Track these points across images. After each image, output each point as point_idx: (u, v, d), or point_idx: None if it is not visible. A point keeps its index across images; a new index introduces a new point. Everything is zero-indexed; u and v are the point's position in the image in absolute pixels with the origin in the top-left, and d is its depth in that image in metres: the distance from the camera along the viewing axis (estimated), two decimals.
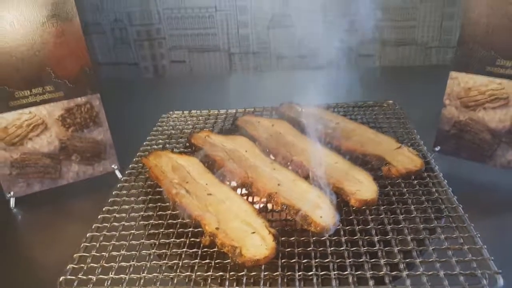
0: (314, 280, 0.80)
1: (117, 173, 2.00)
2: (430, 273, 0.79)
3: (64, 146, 1.88)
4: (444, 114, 1.86)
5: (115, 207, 1.06)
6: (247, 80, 3.16)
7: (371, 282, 0.78)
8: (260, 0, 3.13)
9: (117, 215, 1.03)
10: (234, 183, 1.11)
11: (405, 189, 1.03)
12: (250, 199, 1.05)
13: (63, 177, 1.91)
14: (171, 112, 1.54)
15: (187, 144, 1.32)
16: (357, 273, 0.80)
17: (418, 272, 0.80)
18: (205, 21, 3.24)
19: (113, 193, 1.12)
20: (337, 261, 0.84)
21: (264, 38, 3.28)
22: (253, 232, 0.89)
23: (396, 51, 3.22)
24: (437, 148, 1.93)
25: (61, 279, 0.85)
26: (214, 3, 3.19)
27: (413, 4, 3.05)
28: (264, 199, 1.04)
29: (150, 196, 1.10)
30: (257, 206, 1.01)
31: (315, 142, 1.21)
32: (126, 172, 1.22)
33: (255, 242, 0.87)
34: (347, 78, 2.82)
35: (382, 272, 0.80)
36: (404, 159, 1.10)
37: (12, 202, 1.88)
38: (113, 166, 1.99)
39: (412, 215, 0.95)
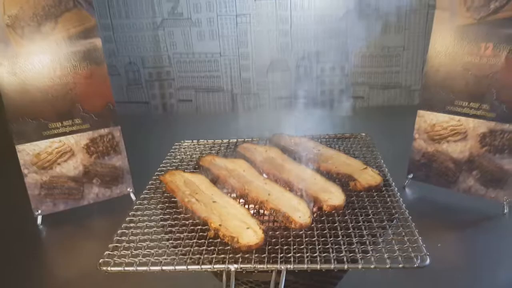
0: (292, 259, 1.07)
1: (132, 195, 2.29)
2: (377, 255, 1.07)
3: (87, 171, 2.18)
4: (414, 146, 2.18)
5: (139, 212, 1.35)
6: (247, 117, 3.48)
7: (334, 262, 1.06)
8: (260, 48, 3.52)
9: (141, 218, 1.32)
10: (234, 195, 1.40)
11: (366, 199, 1.32)
12: (246, 206, 1.34)
13: (85, 198, 2.20)
14: (182, 141, 1.84)
15: (196, 166, 1.62)
16: (324, 255, 1.08)
17: (369, 255, 1.07)
18: (211, 65, 3.62)
19: (137, 202, 1.41)
20: (310, 247, 1.11)
21: (263, 81, 3.64)
22: (248, 228, 1.17)
23: (383, 93, 3.58)
24: (410, 176, 2.22)
25: (100, 261, 1.13)
26: (219, 49, 3.57)
27: (397, 52, 3.43)
28: (257, 206, 1.32)
29: (167, 204, 1.39)
30: (251, 211, 1.29)
31: (299, 164, 1.51)
32: (147, 187, 1.50)
33: (249, 234, 1.15)
34: (337, 116, 3.18)
35: (342, 255, 1.08)
36: (368, 177, 1.40)
37: (40, 219, 2.15)
38: (128, 189, 2.29)
39: (369, 217, 1.23)
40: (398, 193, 1.34)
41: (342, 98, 3.57)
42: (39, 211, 2.12)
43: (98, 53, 2.08)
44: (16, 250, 1.96)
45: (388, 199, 1.32)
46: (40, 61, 2.00)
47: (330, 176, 1.44)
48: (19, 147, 2.01)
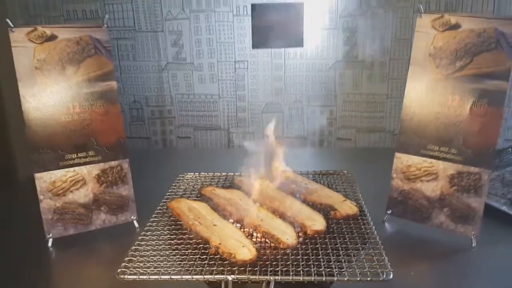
0: (279, 272, 1.29)
1: (135, 222, 2.48)
2: (350, 270, 1.29)
3: (96, 199, 2.37)
4: (392, 184, 2.41)
5: (149, 233, 1.57)
6: (242, 154, 3.72)
7: (314, 275, 1.28)
8: (256, 91, 3.82)
9: (150, 237, 1.54)
10: (231, 220, 1.63)
11: (344, 226, 1.56)
12: (242, 229, 1.56)
13: (93, 224, 2.39)
14: (185, 174, 2.08)
15: (198, 195, 1.85)
16: (306, 269, 1.30)
17: (343, 270, 1.30)
18: (210, 105, 3.90)
19: (147, 224, 1.63)
20: (295, 263, 1.34)
21: (258, 121, 3.92)
22: (243, 246, 1.40)
23: (368, 136, 3.86)
24: (389, 211, 2.45)
25: (118, 270, 1.34)
26: (218, 92, 3.87)
27: (381, 100, 3.74)
28: (251, 229, 1.55)
29: (173, 226, 1.61)
30: (246, 234, 1.52)
31: (288, 196, 1.75)
32: (155, 212, 1.73)
33: (244, 251, 1.37)
34: (325, 155, 3.43)
35: (321, 269, 1.30)
36: (346, 207, 1.64)
37: (50, 242, 2.32)
38: (132, 217, 2.48)
39: (346, 240, 1.46)
40: (372, 222, 1.58)
41: (331, 139, 3.85)
42: (51, 234, 2.29)
43: (113, 93, 2.33)
44: (27, 270, 2.12)
45: (363, 227, 1.55)
46: (62, 99, 2.22)
47: (314, 206, 1.68)
48: (37, 175, 2.21)
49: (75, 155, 2.29)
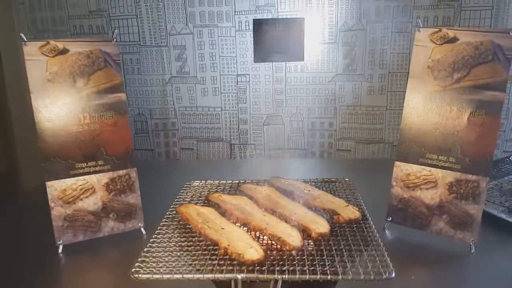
0: (286, 271, 1.36)
1: (142, 230, 2.54)
2: (354, 270, 1.36)
3: (105, 206, 2.44)
4: (392, 192, 2.48)
5: (160, 235, 1.63)
6: (244, 164, 3.80)
7: (319, 274, 1.34)
8: (257, 104, 3.91)
9: (162, 239, 1.60)
10: (238, 224, 1.70)
11: (347, 229, 1.63)
12: (248, 232, 1.63)
13: (101, 231, 2.45)
14: (192, 181, 2.16)
15: (205, 201, 1.92)
16: (311, 269, 1.37)
17: (347, 269, 1.36)
18: (212, 118, 3.98)
19: (158, 227, 1.70)
20: (300, 263, 1.40)
21: (259, 133, 3.99)
22: (251, 247, 1.46)
23: (368, 147, 3.93)
24: (389, 219, 2.51)
25: (132, 270, 1.40)
26: (220, 104, 3.96)
27: (380, 111, 3.83)
28: (257, 233, 1.62)
29: (183, 230, 1.68)
30: (253, 236, 1.58)
31: (292, 201, 1.82)
32: (165, 216, 1.79)
33: (252, 252, 1.43)
34: (325, 165, 3.50)
35: (326, 269, 1.37)
36: (349, 212, 1.71)
37: (60, 248, 2.38)
38: (140, 224, 2.54)
39: (349, 243, 1.53)
40: (374, 225, 1.65)
41: (331, 150, 3.92)
42: (61, 241, 2.35)
43: (122, 105, 2.41)
44: (38, 275, 2.17)
45: (365, 230, 1.62)
46: (72, 110, 2.30)
47: (317, 211, 1.75)
48: (48, 183, 2.28)
49: (85, 164, 2.36)
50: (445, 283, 2.06)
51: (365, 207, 1.79)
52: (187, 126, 4.04)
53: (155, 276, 1.36)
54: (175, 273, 1.37)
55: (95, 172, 2.39)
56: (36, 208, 2.39)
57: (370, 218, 1.70)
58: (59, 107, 2.27)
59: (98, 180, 2.41)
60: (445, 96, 2.24)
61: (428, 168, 2.34)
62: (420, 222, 2.39)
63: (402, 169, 2.42)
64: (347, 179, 2.10)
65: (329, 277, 1.33)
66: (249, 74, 3.81)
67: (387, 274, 1.33)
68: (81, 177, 2.36)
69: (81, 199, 2.37)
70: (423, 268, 2.18)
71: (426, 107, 2.30)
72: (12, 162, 3.48)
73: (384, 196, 2.58)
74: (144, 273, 1.38)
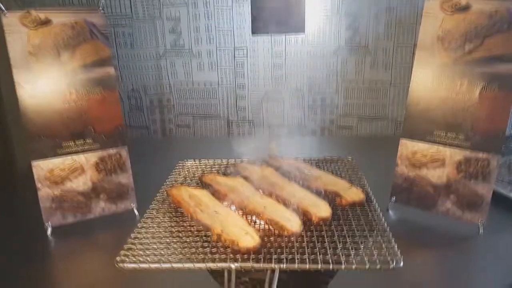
0: (284, 260, 1.24)
1: (135, 210, 2.44)
2: (358, 258, 1.24)
3: (95, 187, 2.34)
4: (397, 171, 2.37)
5: (149, 220, 1.51)
6: (242, 142, 3.68)
7: (320, 263, 1.23)
8: (256, 79, 3.76)
9: (151, 224, 1.48)
10: (233, 207, 1.57)
11: (350, 213, 1.51)
12: (244, 216, 1.51)
13: (92, 212, 2.35)
14: (185, 161, 2.03)
15: (198, 183, 1.80)
16: (311, 256, 1.25)
17: (351, 258, 1.25)
18: (209, 93, 3.84)
19: (147, 211, 1.58)
20: (300, 251, 1.29)
21: (258, 109, 3.86)
22: (246, 233, 1.35)
23: (370, 124, 3.80)
24: (393, 198, 2.41)
25: (118, 258, 1.29)
26: (217, 79, 3.81)
27: (384, 87, 3.68)
28: (254, 217, 1.50)
29: (173, 213, 1.56)
30: (249, 221, 1.46)
31: (291, 182, 1.70)
32: (155, 199, 1.67)
33: (247, 238, 1.32)
34: (327, 143, 3.38)
35: (328, 257, 1.25)
36: (352, 194, 1.58)
37: (49, 230, 2.29)
38: (132, 204, 2.45)
39: (352, 227, 1.41)
40: (379, 208, 1.53)
41: (332, 127, 3.79)
42: (49, 223, 2.26)
43: (111, 80, 2.28)
44: (26, 259, 2.10)
45: (370, 213, 1.50)
46: (58, 85, 2.18)
47: (318, 193, 1.63)
48: (34, 163, 2.17)
49: (73, 142, 2.25)
50: (452, 266, 1.97)
51: (369, 189, 1.67)
52: (182, 102, 3.89)
53: (142, 265, 1.25)
54: (164, 262, 1.26)
55: (83, 151, 2.28)
56: (24, 190, 2.28)
57: (375, 201, 1.58)
58: (43, 82, 2.15)
59: (87, 159, 2.30)
60: (456, 69, 2.11)
61: (435, 146, 2.23)
62: (426, 202, 2.30)
63: (407, 146, 2.30)
64: (350, 158, 1.97)
65: (331, 266, 1.22)
66: (246, 48, 3.65)
67: (394, 263, 1.22)
68: (69, 156, 2.26)
69: (69, 179, 2.27)
70: (429, 251, 2.09)
71: (435, 81, 2.17)
72: (6, 143, 3.36)
73: (388, 175, 2.47)
74: (130, 262, 1.27)
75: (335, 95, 3.70)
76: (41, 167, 2.20)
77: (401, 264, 1.22)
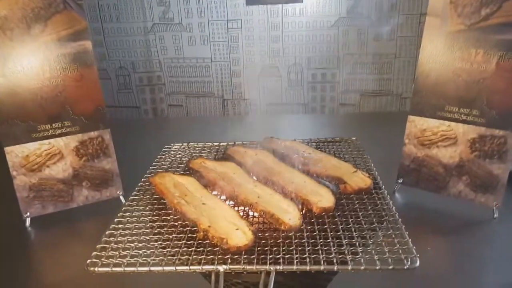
0: (281, 261, 1.07)
1: (121, 198, 2.27)
2: (367, 257, 1.07)
3: (76, 174, 2.16)
4: (404, 151, 2.19)
5: (128, 214, 1.33)
6: (238, 122, 3.48)
7: (323, 263, 1.05)
8: (251, 54, 3.53)
9: (129, 219, 1.30)
10: (223, 197, 1.39)
11: (356, 202, 1.32)
12: (235, 208, 1.33)
13: (74, 201, 2.18)
14: (172, 144, 1.84)
15: (186, 169, 1.61)
16: (313, 256, 1.07)
17: (358, 257, 1.07)
18: (202, 70, 3.62)
19: (126, 203, 1.39)
20: (299, 249, 1.11)
21: (254, 86, 3.64)
22: (237, 229, 1.17)
23: (374, 100, 3.60)
24: (400, 180, 2.23)
25: (88, 261, 1.11)
26: (210, 55, 3.58)
27: (388, 59, 3.46)
28: (246, 208, 1.32)
29: (156, 206, 1.38)
30: (240, 213, 1.28)
31: (289, 167, 1.51)
32: (136, 189, 1.49)
33: (238, 235, 1.14)
34: (327, 122, 3.18)
35: (332, 256, 1.07)
36: (358, 180, 1.40)
37: (28, 221, 2.13)
38: (118, 192, 2.27)
39: (359, 219, 1.23)
40: (388, 196, 1.35)
41: (333, 104, 3.58)
42: (28, 213, 2.10)
43: (88, 55, 2.07)
44: (4, 252, 1.94)
45: (378, 202, 1.32)
46: (30, 63, 1.98)
47: (320, 179, 1.44)
48: (7, 149, 1.99)
49: (49, 125, 2.07)
50: (464, 252, 1.81)
51: (377, 173, 1.48)
52: (174, 80, 3.67)
53: (115, 269, 1.08)
54: (141, 266, 1.08)
55: (61, 134, 2.09)
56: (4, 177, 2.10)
57: (384, 187, 1.40)
58: (13, 59, 1.94)
59: (66, 144, 2.11)
60: (470, 36, 1.90)
61: (447, 123, 2.04)
62: (435, 184, 2.12)
63: (416, 124, 2.11)
64: (353, 138, 1.78)
65: (335, 267, 1.04)
66: (241, 20, 3.41)
67: (409, 263, 1.04)
68: (46, 141, 2.07)
69: (47, 166, 2.09)
70: (439, 237, 1.92)
71: (447, 51, 1.96)
72: None
73: (393, 155, 2.29)
74: (102, 266, 1.09)
75: (336, 70, 3.48)
76: (16, 153, 2.01)
77: (417, 263, 1.04)
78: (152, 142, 2.95)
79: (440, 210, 2.13)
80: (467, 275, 1.72)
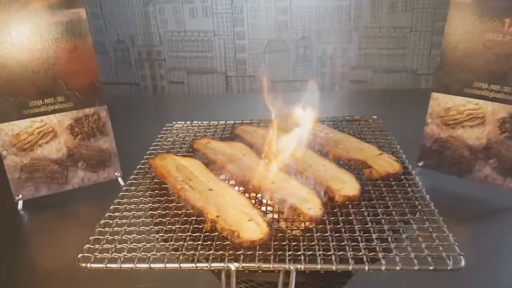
0: (302, 258, 0.92)
1: (120, 180, 2.12)
2: (402, 254, 0.92)
3: (71, 153, 2.01)
4: (426, 131, 2.02)
5: (125, 200, 1.18)
6: (243, 100, 3.31)
7: (351, 261, 0.90)
8: (256, 26, 3.33)
9: (127, 206, 1.15)
10: (232, 182, 1.24)
11: (384, 189, 1.17)
12: (246, 195, 1.18)
13: (69, 183, 2.03)
14: (174, 123, 1.68)
15: (189, 150, 1.45)
16: (339, 253, 0.92)
17: (392, 254, 0.92)
18: (204, 44, 3.42)
19: (123, 188, 1.24)
20: (323, 244, 0.96)
21: (260, 62, 3.45)
22: (250, 220, 1.01)
23: (387, 77, 3.41)
24: (420, 163, 2.07)
25: (79, 256, 0.96)
26: (213, 28, 3.38)
27: (403, 33, 3.25)
28: (259, 195, 1.16)
29: (156, 192, 1.22)
30: (252, 201, 1.13)
31: (306, 149, 1.35)
32: (134, 172, 1.34)
33: (251, 227, 0.99)
34: (338, 100, 2.99)
35: (361, 253, 0.92)
36: (384, 164, 1.24)
37: (20, 204, 1.99)
38: (116, 173, 2.12)
39: (389, 209, 1.08)
40: (420, 182, 1.19)
41: (344, 81, 3.40)
42: (20, 196, 1.96)
43: (82, 25, 1.89)
44: None
45: (409, 189, 1.17)
46: (19, 33, 1.81)
47: (341, 163, 1.29)
48: None
49: (41, 101, 1.91)
50: (491, 243, 1.67)
51: (404, 156, 1.33)
52: (175, 55, 3.48)
53: (110, 265, 0.93)
54: (139, 262, 0.93)
55: (54, 111, 1.93)
56: None
57: (414, 172, 1.24)
58: (1, 29, 1.76)
59: (60, 121, 1.95)
60: (503, 4, 1.72)
61: (475, 101, 1.87)
62: (459, 167, 1.97)
63: (440, 102, 1.94)
64: (375, 117, 1.62)
65: (366, 267, 0.89)
66: None
67: (451, 262, 0.89)
68: (38, 118, 1.91)
69: (40, 145, 1.94)
70: (463, 225, 1.78)
71: (477, 20, 1.78)
72: None
73: (410, 136, 2.13)
74: (95, 262, 0.94)
75: (348, 44, 3.28)
76: (5, 132, 1.86)
77: (463, 263, 0.89)
78: (152, 120, 2.80)
79: (465, 196, 1.98)
80: (494, 267, 1.58)
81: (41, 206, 2.01)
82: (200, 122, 1.68)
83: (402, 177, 1.22)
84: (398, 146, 1.40)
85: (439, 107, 1.95)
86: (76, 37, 1.89)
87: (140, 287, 1.47)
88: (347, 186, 1.14)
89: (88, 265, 0.94)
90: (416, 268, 0.88)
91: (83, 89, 1.95)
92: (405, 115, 2.43)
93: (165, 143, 1.54)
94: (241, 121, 1.66)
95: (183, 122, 1.68)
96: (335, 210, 1.08)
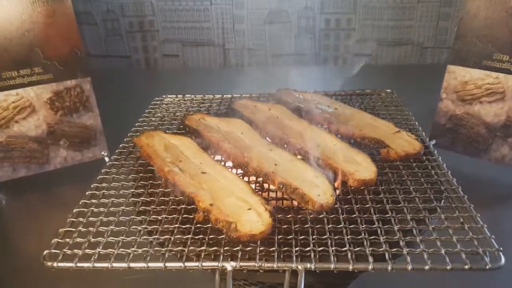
0: (312, 255, 0.77)
1: (107, 159, 1.94)
2: (431, 250, 0.77)
3: (52, 130, 1.83)
4: (440, 107, 1.86)
5: (104, 184, 1.02)
6: (241, 75, 3.14)
7: (370, 259, 0.75)
8: None
9: (106, 192, 1.00)
10: (229, 163, 1.08)
11: (403, 171, 1.01)
12: (245, 179, 1.02)
13: (50, 163, 1.87)
14: (164, 96, 1.51)
15: (181, 127, 1.29)
16: (356, 249, 0.77)
17: (419, 250, 0.77)
18: (200, 14, 3.21)
19: (102, 171, 1.09)
20: (335, 237, 0.81)
21: (260, 34, 3.26)
22: (249, 209, 0.86)
23: (393, 50, 3.23)
24: (433, 142, 1.91)
25: (45, 253, 0.81)
26: None
27: (410, 4, 3.05)
28: (260, 179, 1.01)
29: (141, 174, 1.07)
30: (253, 186, 0.97)
31: (312, 126, 1.19)
32: (116, 151, 1.18)
33: (251, 218, 0.83)
34: (343, 74, 2.79)
35: (382, 249, 0.77)
36: (403, 143, 1.08)
37: None
38: (102, 152, 1.93)
39: (412, 195, 0.92)
40: (444, 164, 1.04)
41: (347, 54, 3.21)
42: None
43: None
44: None
45: (433, 172, 1.01)
46: None
47: (353, 141, 1.13)
48: None
49: (16, 72, 1.73)
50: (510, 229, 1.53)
51: (424, 133, 1.17)
52: (169, 25, 3.27)
53: (82, 264, 0.78)
54: (116, 260, 0.78)
55: (31, 83, 1.75)
56: None
57: (436, 152, 1.09)
58: None
59: (38, 94, 1.77)
60: None
61: (494, 74, 1.70)
62: (475, 146, 1.81)
63: (457, 75, 1.77)
64: (388, 91, 1.45)
65: (389, 267, 0.74)
66: None
67: (488, 259, 0.74)
68: (13, 91, 1.74)
69: (16, 121, 1.77)
70: (480, 210, 1.63)
71: None
72: None
73: (418, 114, 1.98)
74: (64, 260, 0.79)
75: (352, 15, 3.08)
76: None
77: (503, 261, 0.74)
78: (143, 95, 2.61)
79: (481, 177, 1.84)
80: None
81: (21, 189, 1.86)
82: (193, 96, 1.52)
83: (424, 158, 1.07)
84: (417, 123, 1.24)
85: (455, 81, 1.78)
86: (55, 0, 1.69)
87: (126, 279, 1.32)
88: (362, 168, 0.98)
89: (55, 264, 0.79)
90: (448, 267, 0.73)
91: (63, 58, 1.77)
92: (411, 91, 2.27)
93: (153, 119, 1.37)
94: (239, 95, 1.50)
95: (175, 96, 1.51)
96: (348, 197, 0.93)
